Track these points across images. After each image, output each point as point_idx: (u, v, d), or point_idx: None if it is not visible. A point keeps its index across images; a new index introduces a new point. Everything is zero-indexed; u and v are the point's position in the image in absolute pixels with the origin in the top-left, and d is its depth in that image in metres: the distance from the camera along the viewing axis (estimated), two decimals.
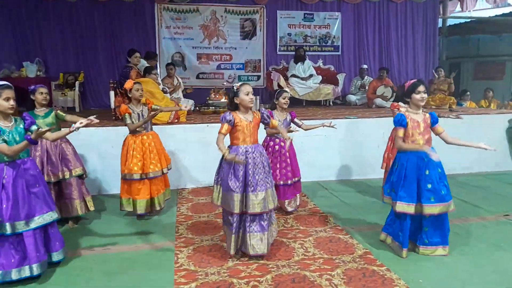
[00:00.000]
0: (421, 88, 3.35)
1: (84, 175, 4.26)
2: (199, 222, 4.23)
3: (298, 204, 4.55)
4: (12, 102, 2.96)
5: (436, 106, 7.64)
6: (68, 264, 3.29)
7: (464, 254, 3.44)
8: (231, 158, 3.08)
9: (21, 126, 3.04)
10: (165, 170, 4.42)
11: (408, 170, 3.35)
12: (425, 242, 3.41)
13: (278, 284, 2.92)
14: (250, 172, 3.23)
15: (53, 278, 3.08)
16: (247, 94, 3.24)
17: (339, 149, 5.93)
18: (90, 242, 3.75)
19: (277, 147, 4.31)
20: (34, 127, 3.04)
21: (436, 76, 8.37)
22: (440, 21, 10.74)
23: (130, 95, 4.32)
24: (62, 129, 3.52)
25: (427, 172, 3.32)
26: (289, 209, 4.42)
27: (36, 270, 2.97)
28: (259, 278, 3.00)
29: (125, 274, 3.14)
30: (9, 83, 3.03)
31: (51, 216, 3.11)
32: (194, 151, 5.56)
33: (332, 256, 3.38)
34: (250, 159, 3.24)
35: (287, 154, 4.32)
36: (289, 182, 4.33)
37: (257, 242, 3.29)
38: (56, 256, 3.19)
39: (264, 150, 3.44)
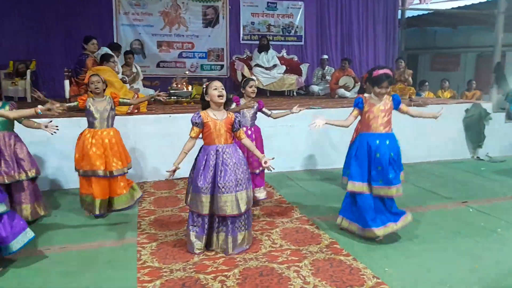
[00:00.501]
0: (385, 84, 3.39)
1: (37, 177, 4.00)
2: (162, 217, 4.09)
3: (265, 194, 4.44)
4: None
5: None
6: (22, 265, 3.07)
7: (426, 241, 3.52)
8: (168, 174, 3.16)
9: None
10: (125, 170, 4.22)
11: (360, 151, 3.47)
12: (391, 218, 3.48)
13: (246, 278, 2.86)
14: (219, 173, 3.14)
15: (5, 281, 2.86)
16: (215, 89, 3.15)
17: (304, 139, 5.94)
18: (46, 240, 3.53)
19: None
20: None
21: (397, 67, 8.54)
22: (399, 12, 10.97)
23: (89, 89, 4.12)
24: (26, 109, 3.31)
25: (377, 155, 3.40)
26: (261, 196, 4.30)
27: None
28: (226, 273, 2.93)
29: (85, 273, 2.98)
30: None
31: None
32: (155, 142, 5.38)
33: (299, 247, 3.37)
34: (219, 159, 3.15)
35: (254, 142, 4.23)
36: (257, 171, 4.24)
37: (224, 242, 3.25)
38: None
39: (239, 150, 3.31)
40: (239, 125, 3.31)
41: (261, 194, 4.32)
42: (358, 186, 3.46)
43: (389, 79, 3.40)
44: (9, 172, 3.71)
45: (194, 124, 3.19)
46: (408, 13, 11.51)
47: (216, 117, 3.20)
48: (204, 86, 3.25)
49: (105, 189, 4.09)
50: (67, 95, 5.83)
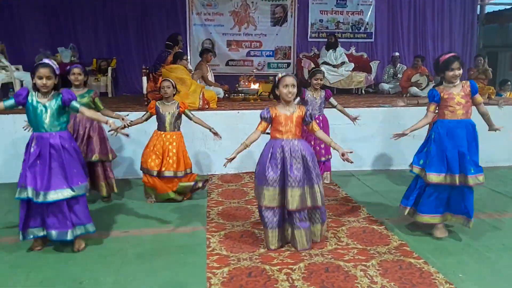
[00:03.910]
0: (455, 65, 3.25)
1: (111, 159, 4.42)
2: (229, 208, 4.22)
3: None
4: (44, 81, 3.00)
5: None
6: (102, 246, 3.34)
7: (505, 249, 3.29)
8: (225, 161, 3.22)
9: (57, 101, 3.08)
10: (179, 174, 4.30)
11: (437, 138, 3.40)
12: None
13: (311, 273, 2.87)
14: (288, 166, 3.11)
15: (88, 260, 3.12)
16: (285, 87, 3.12)
17: (373, 138, 5.79)
18: (124, 224, 3.81)
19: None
20: (74, 104, 3.10)
21: (475, 64, 8.03)
22: (478, 7, 10.30)
23: None
24: (101, 116, 3.59)
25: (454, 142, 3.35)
26: (326, 180, 4.77)
27: (55, 236, 3.12)
28: (292, 266, 2.96)
29: (158, 256, 3.16)
30: (47, 62, 3.08)
31: (64, 193, 3.07)
32: (224, 137, 5.48)
33: (367, 246, 3.30)
34: (287, 153, 3.13)
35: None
36: (323, 159, 4.61)
37: (300, 237, 3.20)
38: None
39: (308, 145, 3.28)
40: (311, 118, 3.24)
41: (326, 180, 4.74)
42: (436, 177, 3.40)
43: (458, 60, 3.27)
44: (92, 152, 4.18)
45: (262, 118, 3.20)
46: (488, 8, 10.75)
47: (286, 112, 3.18)
48: (277, 79, 3.20)
49: (162, 186, 4.31)
50: (144, 90, 6.19)
